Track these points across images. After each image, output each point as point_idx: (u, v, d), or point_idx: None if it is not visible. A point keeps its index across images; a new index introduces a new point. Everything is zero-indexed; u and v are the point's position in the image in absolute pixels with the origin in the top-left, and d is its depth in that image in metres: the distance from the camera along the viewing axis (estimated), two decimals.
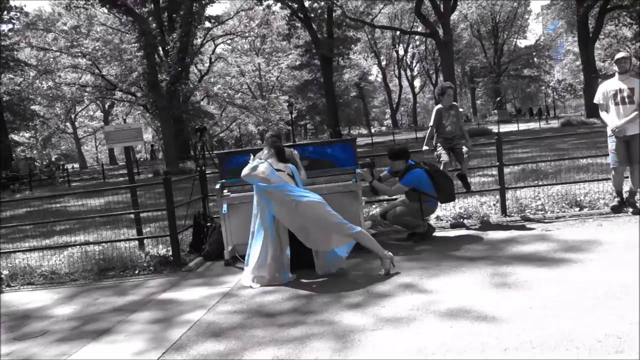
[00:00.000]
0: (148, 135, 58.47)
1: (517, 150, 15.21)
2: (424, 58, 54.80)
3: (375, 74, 62.74)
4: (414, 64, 58.66)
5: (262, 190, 5.04)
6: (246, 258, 5.27)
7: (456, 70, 51.94)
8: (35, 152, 43.96)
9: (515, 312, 3.61)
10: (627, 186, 6.51)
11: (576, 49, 41.71)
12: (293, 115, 40.76)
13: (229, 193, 6.11)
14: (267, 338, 3.67)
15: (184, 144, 23.94)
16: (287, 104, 39.74)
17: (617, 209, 6.40)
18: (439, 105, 6.84)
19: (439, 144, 6.69)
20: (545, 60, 57.61)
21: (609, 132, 6.30)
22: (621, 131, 6.13)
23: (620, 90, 6.19)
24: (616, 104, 6.21)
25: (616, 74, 6.36)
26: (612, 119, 6.24)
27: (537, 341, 3.11)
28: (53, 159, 45.83)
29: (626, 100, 6.15)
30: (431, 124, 6.82)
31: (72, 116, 51.11)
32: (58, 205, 14.33)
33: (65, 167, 36.77)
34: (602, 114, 6.44)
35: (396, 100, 57.38)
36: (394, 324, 3.64)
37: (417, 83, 61.07)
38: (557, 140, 16.69)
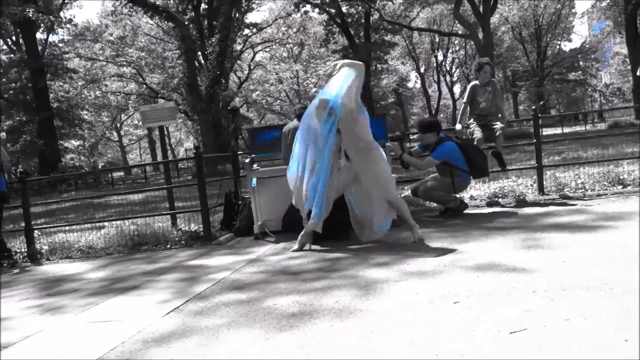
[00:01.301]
0: (189, 144, 59.73)
1: (559, 147, 14.75)
2: (463, 63, 53.95)
3: (413, 80, 62.25)
4: (453, 69, 57.87)
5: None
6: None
7: (497, 74, 50.96)
8: (82, 158, 45.46)
9: (547, 265, 3.46)
10: None
11: (624, 50, 40.26)
12: None
13: (258, 167, 6.13)
14: (289, 289, 3.63)
15: (222, 148, 24.22)
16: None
17: None
18: (475, 82, 6.69)
19: (472, 120, 6.54)
20: (591, 63, 55.82)
21: None
22: None
23: None
24: None
25: None
26: None
27: (569, 285, 2.96)
28: (100, 166, 47.30)
29: None
30: (464, 100, 6.68)
31: (118, 124, 52.72)
32: (101, 200, 14.76)
33: (111, 172, 37.85)
34: None
35: (435, 106, 56.67)
36: (419, 276, 3.54)
37: (456, 89, 60.16)
38: (603, 139, 16.08)
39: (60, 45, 35.77)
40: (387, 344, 2.41)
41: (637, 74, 6.53)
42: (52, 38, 33.82)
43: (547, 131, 31.55)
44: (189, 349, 2.68)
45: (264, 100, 45.44)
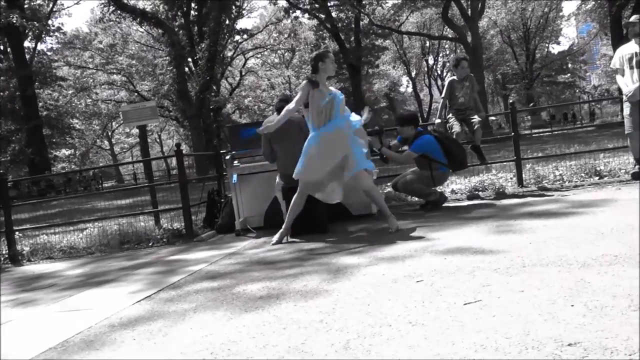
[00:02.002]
0: (183, 150, 59.67)
1: (545, 146, 14.88)
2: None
3: (405, 84, 62.56)
4: (444, 73, 58.20)
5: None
6: None
7: (487, 77, 51.24)
8: (73, 167, 45.33)
9: (513, 246, 3.51)
10: None
11: (611, 52, 40.63)
12: None
13: (239, 164, 6.17)
14: (261, 277, 3.66)
15: (218, 146, 24.21)
16: None
17: (637, 176, 6.16)
18: (452, 77, 6.76)
19: (450, 115, 6.60)
20: (579, 65, 56.32)
21: (624, 97, 6.10)
22: (634, 95, 5.93)
23: (636, 54, 6.00)
24: (631, 67, 6.01)
25: (633, 39, 6.17)
26: (627, 83, 6.05)
27: (530, 263, 3.01)
28: (91, 174, 47.18)
29: None
30: (443, 95, 6.75)
31: (109, 132, 52.61)
32: (88, 205, 14.73)
33: (101, 180, 37.74)
34: (618, 78, 6.24)
35: (427, 110, 56.94)
36: (389, 261, 3.58)
37: None
38: (587, 136, 16.26)
39: (49, 53, 35.77)
40: (345, 316, 2.45)
41: (625, 98, 6.55)
42: (41, 46, 33.78)
43: (536, 132, 31.79)
44: (153, 330, 2.71)
45: (256, 107, 45.48)
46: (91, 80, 40.32)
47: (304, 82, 5.01)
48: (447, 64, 57.38)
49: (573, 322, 2.01)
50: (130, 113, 6.88)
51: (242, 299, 3.08)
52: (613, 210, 4.41)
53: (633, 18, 6.17)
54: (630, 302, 2.14)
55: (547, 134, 28.28)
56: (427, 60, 55.35)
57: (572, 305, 2.18)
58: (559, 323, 2.01)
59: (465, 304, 2.39)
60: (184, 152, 6.51)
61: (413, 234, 4.53)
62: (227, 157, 6.15)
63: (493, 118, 44.38)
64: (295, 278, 3.45)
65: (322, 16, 33.28)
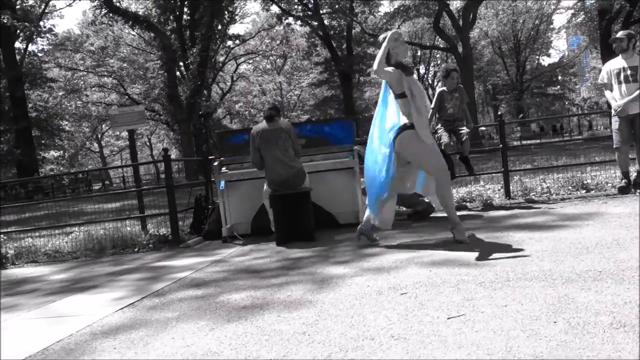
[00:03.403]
0: (172, 155, 59.44)
1: (534, 157, 14.99)
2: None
3: None
4: (435, 83, 58.57)
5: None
6: None
7: (478, 88, 51.60)
8: (62, 169, 44.95)
9: (498, 259, 3.52)
10: (633, 168, 6.33)
11: (600, 65, 41.13)
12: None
13: (227, 170, 6.14)
14: (246, 285, 3.64)
15: (206, 152, 24.14)
16: (307, 120, 40.01)
17: (624, 190, 6.21)
18: (442, 88, 6.79)
19: (439, 126, 6.63)
20: (569, 78, 56.88)
21: (613, 112, 6.17)
22: (623, 110, 5.99)
23: (624, 69, 6.06)
24: (619, 82, 6.08)
25: (620, 53, 6.24)
26: (615, 97, 6.12)
27: (514, 277, 3.02)
28: (80, 176, 46.80)
29: (629, 78, 6.01)
30: (432, 105, 6.77)
31: (99, 135, 52.26)
32: (75, 208, 14.60)
33: (90, 182, 37.44)
34: (607, 93, 6.30)
35: None
36: (374, 272, 3.57)
37: None
38: (577, 149, 16.39)
39: (40, 54, 35.50)
40: (328, 329, 2.44)
41: (614, 113, 6.62)
42: (32, 47, 33.54)
43: (526, 143, 32.09)
44: (135, 339, 2.67)
45: (247, 112, 45.41)
46: (82, 83, 40.00)
47: (391, 69, 4.43)
48: (438, 74, 57.84)
49: (555, 339, 2.01)
50: (119, 117, 6.84)
51: (225, 309, 3.05)
52: (599, 225, 4.44)
53: (620, 34, 6.25)
54: (612, 320, 2.15)
55: (536, 143, 28.55)
56: (418, 70, 55.63)
57: (555, 322, 2.18)
58: (541, 340, 2.01)
59: (449, 318, 2.39)
60: (172, 157, 6.47)
61: (400, 245, 4.53)
62: (215, 164, 6.13)
63: (483, 128, 44.70)
64: (280, 288, 3.43)
65: (315, 23, 33.37)
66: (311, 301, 2.98)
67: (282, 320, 2.68)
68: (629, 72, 6.03)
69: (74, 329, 2.99)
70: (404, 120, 4.34)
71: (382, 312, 2.61)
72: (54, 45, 36.71)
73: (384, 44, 4.35)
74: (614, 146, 6.23)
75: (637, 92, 5.94)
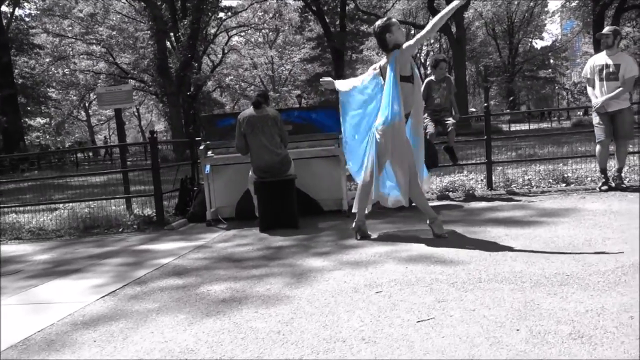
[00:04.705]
0: (161, 126, 58.94)
1: (520, 143, 15.12)
2: (439, 54, 54.51)
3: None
4: (428, 62, 58.34)
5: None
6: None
7: (470, 69, 51.51)
8: (48, 137, 44.49)
9: (473, 257, 3.62)
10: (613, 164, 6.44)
11: (592, 50, 41.16)
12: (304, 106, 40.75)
13: (212, 154, 6.17)
14: (226, 276, 3.71)
15: (193, 133, 24.04)
16: (297, 95, 39.79)
17: (606, 191, 6.29)
18: (430, 77, 6.82)
19: (426, 115, 6.67)
20: (561, 62, 56.94)
21: (593, 107, 6.24)
22: (602, 107, 6.07)
23: (607, 66, 6.11)
24: (601, 79, 6.14)
25: (605, 49, 6.29)
26: (596, 94, 6.18)
27: (486, 278, 3.12)
28: (67, 146, 46.33)
29: (611, 76, 6.08)
30: None
31: (86, 104, 51.59)
32: (61, 181, 14.53)
33: (76, 152, 37.14)
34: (589, 89, 6.36)
35: None
36: (353, 266, 3.66)
37: None
38: (562, 137, 16.52)
39: (27, 19, 34.78)
40: (302, 328, 2.52)
41: (593, 105, 6.63)
42: (19, 12, 32.85)
43: (515, 127, 32.32)
44: (115, 331, 2.74)
45: (237, 85, 44.99)
46: (70, 50, 39.29)
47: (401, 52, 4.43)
48: (431, 53, 57.56)
49: (515, 348, 2.11)
50: (106, 96, 6.80)
51: (205, 301, 3.13)
52: (573, 222, 4.55)
53: (606, 30, 6.29)
54: (571, 330, 2.25)
55: (523, 130, 28.72)
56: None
57: (518, 330, 2.28)
58: (503, 349, 2.11)
59: (419, 321, 2.49)
60: (161, 129, 6.46)
61: (380, 236, 4.62)
62: (201, 148, 6.14)
63: (473, 110, 44.84)
64: (259, 280, 3.51)
65: None
66: (288, 296, 3.06)
67: (259, 317, 2.76)
68: (611, 69, 6.09)
69: (55, 317, 3.06)
70: (399, 109, 4.30)
71: (356, 311, 2.70)
72: (41, 11, 35.96)
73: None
74: (596, 140, 6.32)
75: (617, 90, 6.01)
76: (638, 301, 2.52)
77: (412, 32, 52.69)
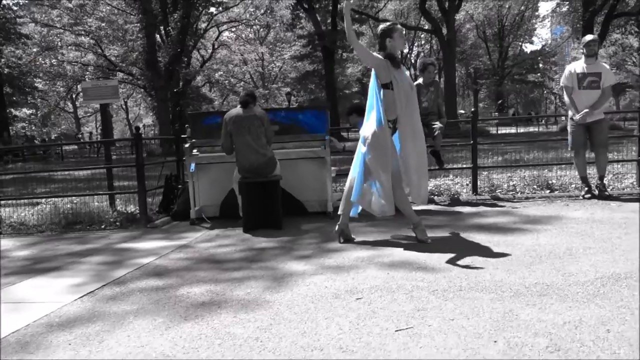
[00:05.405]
0: (149, 120, 58.46)
1: (506, 148, 15.22)
2: (428, 57, 54.68)
3: None
4: (418, 62, 58.54)
5: None
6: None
7: (460, 70, 51.78)
8: (34, 128, 43.97)
9: (455, 265, 3.63)
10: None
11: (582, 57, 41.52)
12: (292, 106, 40.67)
13: (197, 153, 6.12)
14: (207, 278, 3.68)
15: (179, 130, 23.89)
16: (286, 93, 39.71)
17: (590, 199, 6.33)
18: (418, 81, 6.82)
19: None
20: (550, 66, 57.44)
21: (570, 115, 6.27)
22: (582, 119, 6.10)
23: (586, 75, 6.13)
24: (582, 87, 6.16)
25: (583, 57, 6.31)
26: (577, 104, 6.18)
27: (467, 286, 3.12)
28: (52, 137, 45.82)
29: (593, 84, 6.11)
30: None
31: (73, 95, 51.02)
32: (45, 173, 14.36)
33: (62, 144, 36.76)
34: (566, 98, 6.37)
35: None
36: (334, 271, 3.65)
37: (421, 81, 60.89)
38: (550, 143, 16.65)
39: (15, 8, 34.29)
40: (280, 335, 2.51)
41: (571, 117, 6.65)
42: (6, 1, 32.36)
43: (502, 130, 32.59)
44: (91, 334, 2.71)
45: (227, 81, 44.78)
46: (58, 40, 38.81)
47: (381, 56, 4.33)
48: (422, 54, 57.76)
49: None
50: (91, 91, 6.72)
51: (184, 304, 3.10)
52: (555, 230, 4.58)
53: (589, 37, 6.33)
54: (548, 342, 2.26)
55: (511, 133, 28.96)
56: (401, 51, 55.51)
57: (495, 342, 2.29)
58: None
59: (397, 330, 2.48)
60: (148, 123, 6.40)
61: (363, 241, 4.61)
62: (186, 145, 6.09)
63: (462, 111, 45.02)
64: (240, 283, 3.48)
65: None
66: (268, 301, 3.05)
67: (238, 322, 2.74)
68: (591, 78, 6.11)
69: (31, 318, 3.01)
70: (379, 115, 4.27)
71: (335, 318, 2.69)
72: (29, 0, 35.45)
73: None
74: (569, 147, 6.37)
75: (604, 102, 6.05)
76: (628, 312, 2.54)
77: (403, 32, 52.94)
